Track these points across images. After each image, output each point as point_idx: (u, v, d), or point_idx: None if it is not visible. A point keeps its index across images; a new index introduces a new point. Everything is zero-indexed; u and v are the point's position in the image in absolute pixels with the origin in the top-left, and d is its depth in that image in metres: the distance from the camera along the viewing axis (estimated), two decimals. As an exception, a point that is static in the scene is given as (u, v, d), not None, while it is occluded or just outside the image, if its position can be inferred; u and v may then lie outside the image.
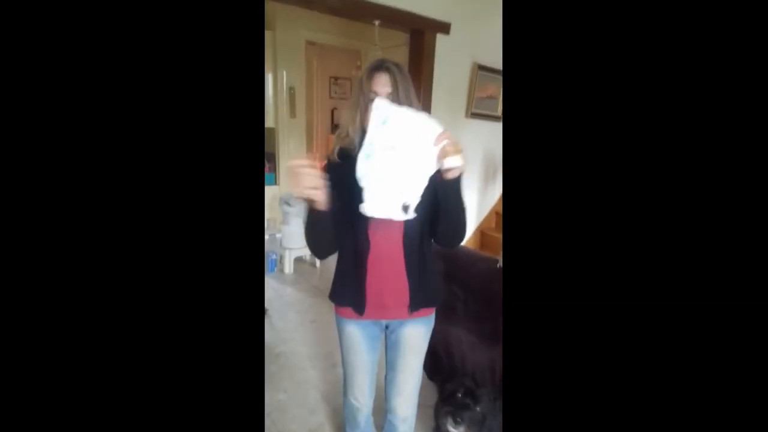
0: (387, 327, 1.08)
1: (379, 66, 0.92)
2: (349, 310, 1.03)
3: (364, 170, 0.83)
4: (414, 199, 0.84)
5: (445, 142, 0.78)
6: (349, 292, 1.02)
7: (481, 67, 2.74)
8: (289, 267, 3.07)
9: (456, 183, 0.84)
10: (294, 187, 0.77)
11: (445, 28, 2.49)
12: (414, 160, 0.81)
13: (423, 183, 0.83)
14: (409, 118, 0.81)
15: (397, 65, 0.92)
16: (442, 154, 0.79)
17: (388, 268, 0.98)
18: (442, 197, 0.87)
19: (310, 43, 3.77)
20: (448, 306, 1.69)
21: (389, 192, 0.84)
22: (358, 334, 1.06)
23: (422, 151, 0.80)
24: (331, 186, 0.84)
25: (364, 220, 0.91)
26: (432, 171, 0.82)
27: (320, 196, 0.80)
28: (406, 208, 0.85)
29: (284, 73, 3.35)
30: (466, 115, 2.83)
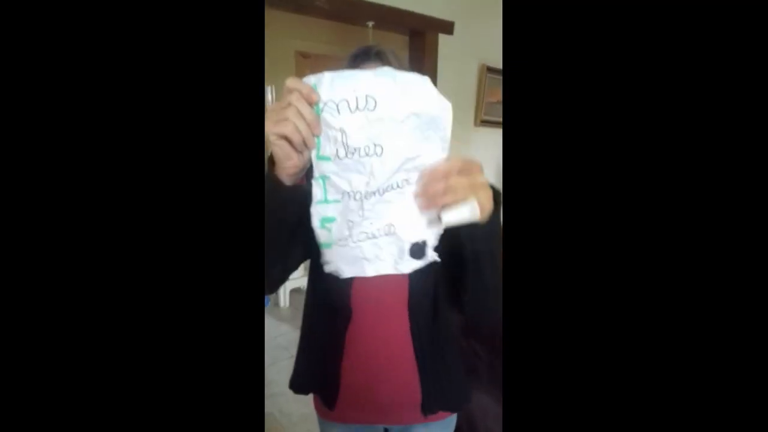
0: (386, 431, 0.76)
1: (366, 54, 0.63)
2: (325, 407, 0.72)
3: (322, 210, 0.49)
4: (432, 231, 0.50)
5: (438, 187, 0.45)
6: (314, 372, 0.71)
7: (490, 69, 2.45)
8: (284, 300, 2.76)
9: (485, 230, 0.50)
10: (272, 125, 0.44)
11: (447, 27, 2.22)
12: (417, 157, 0.48)
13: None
14: (384, 88, 0.46)
15: (391, 51, 0.63)
16: (428, 204, 0.47)
17: (381, 346, 0.66)
18: (466, 246, 0.53)
19: (304, 55, 3.53)
20: (469, 368, 1.35)
21: (382, 236, 0.51)
22: (346, 443, 0.74)
23: (427, 140, 0.47)
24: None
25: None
26: None
27: (303, 157, 0.46)
28: (419, 251, 0.51)
29: (272, 88, 3.06)
30: (476, 124, 2.53)
